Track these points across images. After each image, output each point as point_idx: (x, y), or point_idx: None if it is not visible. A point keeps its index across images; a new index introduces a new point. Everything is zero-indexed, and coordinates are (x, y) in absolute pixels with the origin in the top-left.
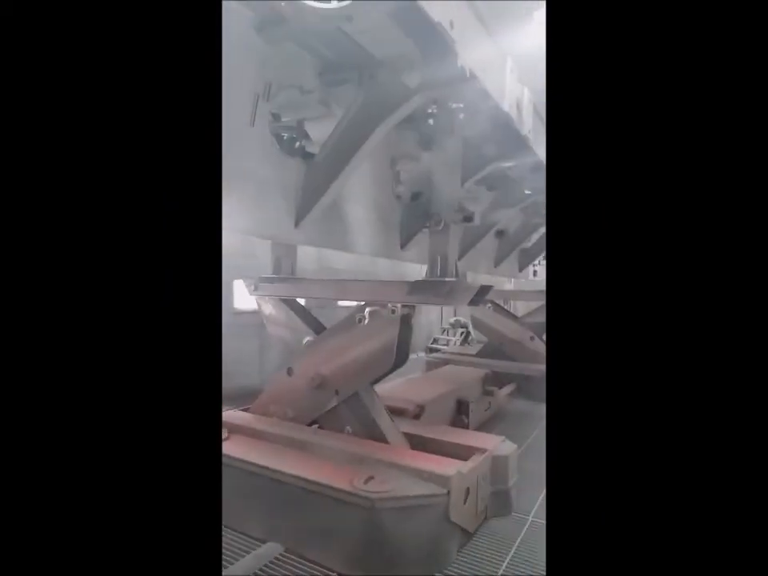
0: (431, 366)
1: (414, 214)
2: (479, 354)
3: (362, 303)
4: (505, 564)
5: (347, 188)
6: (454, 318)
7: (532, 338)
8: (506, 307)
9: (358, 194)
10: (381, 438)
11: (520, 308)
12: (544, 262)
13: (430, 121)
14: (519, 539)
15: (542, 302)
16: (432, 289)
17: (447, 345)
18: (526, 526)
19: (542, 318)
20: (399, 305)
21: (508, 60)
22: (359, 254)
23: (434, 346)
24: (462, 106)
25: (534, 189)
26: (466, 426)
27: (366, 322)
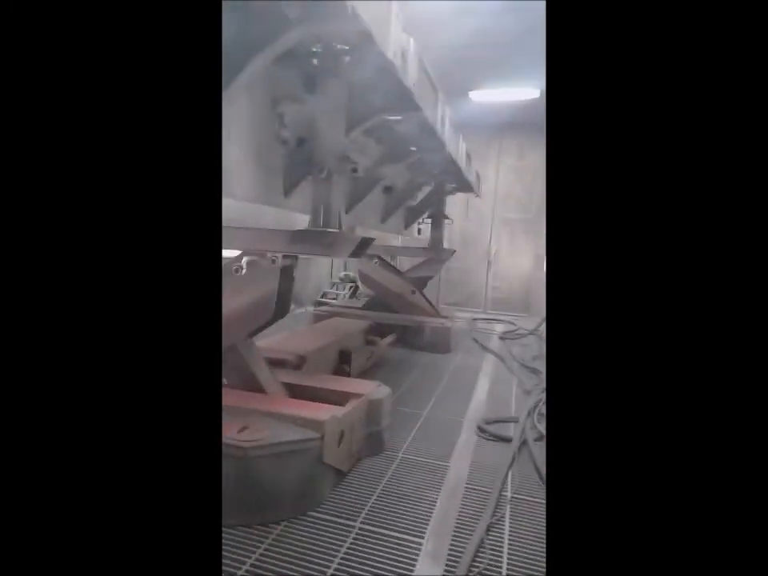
0: (318, 318)
1: (299, 161)
2: (364, 307)
3: (240, 253)
4: (374, 496)
5: (222, 126)
6: (344, 273)
7: (413, 292)
8: (392, 263)
9: (235, 134)
10: (259, 390)
11: (405, 263)
12: (428, 221)
13: (314, 61)
14: (389, 474)
15: (424, 257)
16: (314, 239)
17: (336, 299)
18: (396, 462)
19: (422, 273)
20: (280, 255)
21: (393, 4)
22: (238, 201)
23: (322, 299)
24: (346, 48)
25: (420, 147)
26: (347, 375)
27: (244, 272)
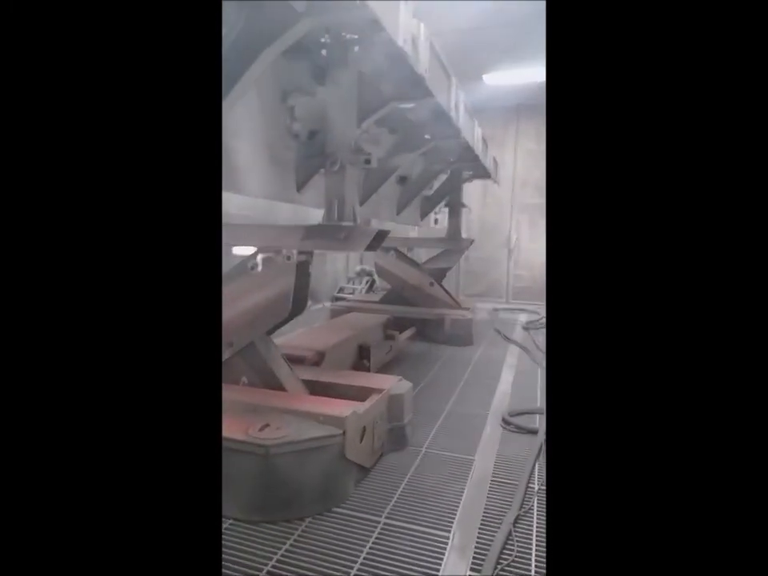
0: (335, 314)
1: (311, 154)
2: (382, 301)
3: (255, 250)
4: (399, 491)
5: (232, 122)
6: (360, 267)
7: (431, 284)
8: (409, 255)
9: (246, 129)
10: (278, 387)
11: (423, 255)
12: (445, 210)
13: (323, 52)
14: (413, 469)
15: (442, 248)
16: (328, 234)
17: (353, 293)
18: (420, 457)
19: (440, 264)
20: (295, 251)
21: None
22: (251, 197)
23: (339, 295)
24: (356, 37)
25: (434, 134)
26: (367, 370)
27: (259, 269)
